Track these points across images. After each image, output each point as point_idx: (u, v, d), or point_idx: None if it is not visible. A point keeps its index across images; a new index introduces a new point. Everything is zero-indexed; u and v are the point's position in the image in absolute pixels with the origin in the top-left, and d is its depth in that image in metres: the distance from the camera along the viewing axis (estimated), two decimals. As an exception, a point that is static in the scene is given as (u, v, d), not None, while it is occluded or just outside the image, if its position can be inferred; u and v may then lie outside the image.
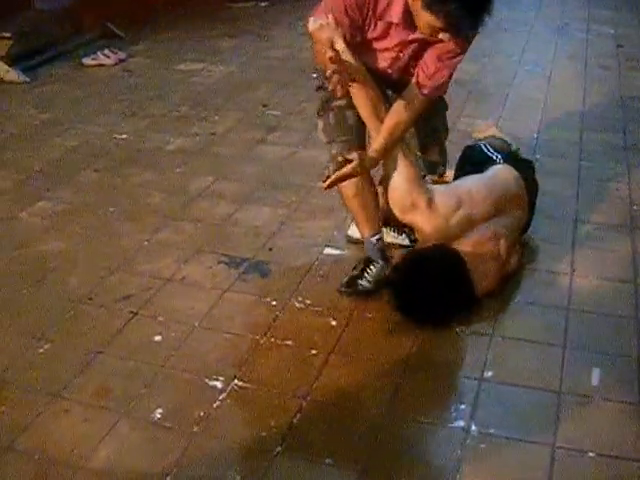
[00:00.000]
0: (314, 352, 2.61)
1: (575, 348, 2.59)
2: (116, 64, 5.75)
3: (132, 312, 2.82)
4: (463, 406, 2.35)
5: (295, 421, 2.32)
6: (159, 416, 2.34)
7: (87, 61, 5.78)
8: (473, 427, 2.27)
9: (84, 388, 2.46)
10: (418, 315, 2.66)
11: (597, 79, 5.23)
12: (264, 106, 4.83)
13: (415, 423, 2.31)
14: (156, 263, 3.14)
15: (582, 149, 4.04)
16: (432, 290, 2.60)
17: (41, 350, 2.63)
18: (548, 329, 2.68)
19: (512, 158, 3.17)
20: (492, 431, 2.26)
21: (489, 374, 2.48)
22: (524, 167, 3.12)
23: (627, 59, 5.69)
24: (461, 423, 2.29)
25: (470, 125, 4.07)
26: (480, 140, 3.39)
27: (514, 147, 3.43)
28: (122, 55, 5.86)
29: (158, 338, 2.69)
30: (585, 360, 2.54)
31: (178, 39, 6.36)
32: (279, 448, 2.22)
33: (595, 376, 2.46)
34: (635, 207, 3.47)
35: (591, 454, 2.16)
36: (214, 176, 3.89)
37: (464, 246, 2.72)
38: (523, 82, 5.19)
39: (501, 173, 2.97)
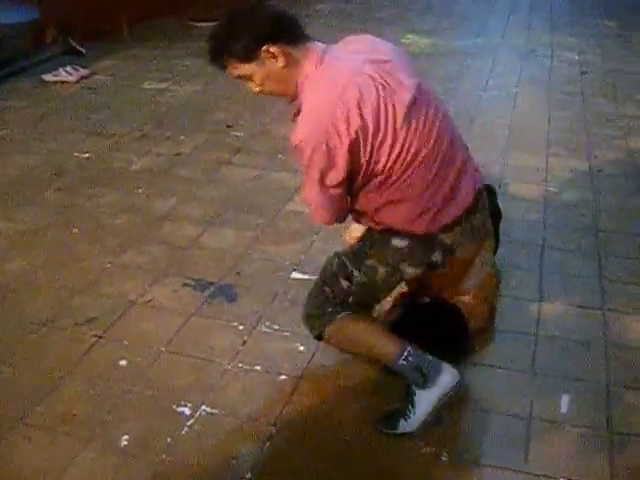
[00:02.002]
0: (283, 378, 2.59)
1: (544, 375, 2.61)
2: (78, 81, 5.69)
3: (96, 336, 2.77)
4: (434, 431, 2.34)
5: (265, 447, 2.29)
6: (125, 443, 2.29)
7: (48, 77, 5.70)
8: (444, 452, 2.27)
9: (48, 414, 2.40)
10: None
11: (561, 105, 5.32)
12: (229, 127, 4.81)
13: (387, 449, 2.29)
14: (121, 286, 3.09)
15: (548, 174, 4.09)
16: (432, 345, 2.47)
17: (1, 375, 2.57)
18: (517, 356, 2.69)
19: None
20: (464, 456, 2.26)
21: (461, 401, 2.47)
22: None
23: (591, 85, 5.80)
24: (432, 448, 2.29)
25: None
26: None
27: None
28: (84, 72, 5.80)
29: (123, 363, 2.64)
30: (554, 386, 2.55)
31: (142, 57, 6.32)
32: (249, 475, 2.19)
33: (564, 403, 2.47)
34: (601, 233, 3.51)
35: (562, 480, 2.18)
36: (179, 197, 3.85)
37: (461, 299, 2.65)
38: (489, 107, 5.25)
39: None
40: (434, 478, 2.20)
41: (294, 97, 2.25)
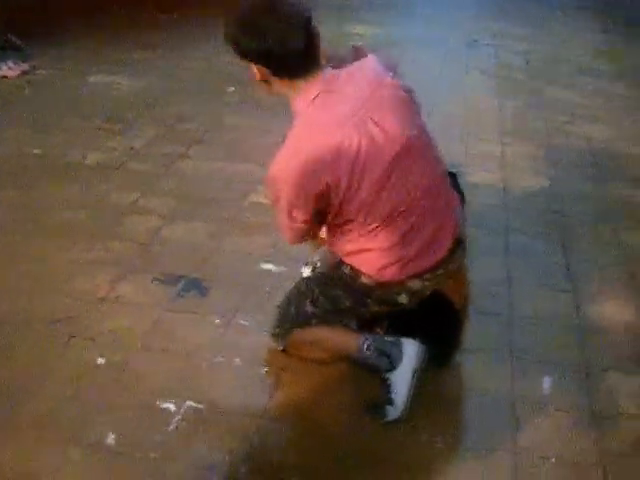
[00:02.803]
0: (265, 370, 2.58)
1: (522, 357, 2.66)
2: (19, 76, 5.50)
3: (70, 335, 2.70)
4: (426, 419, 2.37)
5: (257, 441, 2.28)
6: (112, 442, 2.25)
7: (-13, 73, 5.52)
8: (438, 438, 2.30)
9: (29, 416, 2.34)
10: None
11: (510, 93, 5.40)
12: (182, 119, 4.74)
13: (380, 437, 2.31)
14: (87, 283, 3.02)
15: (505, 161, 4.15)
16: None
17: (-25, 379, 2.50)
18: (494, 339, 2.75)
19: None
20: (457, 440, 2.30)
21: (445, 386, 2.51)
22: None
23: (537, 73, 5.90)
24: (426, 435, 2.31)
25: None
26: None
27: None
28: (26, 67, 5.62)
29: (101, 361, 2.59)
30: (533, 368, 2.61)
31: (87, 50, 6.13)
32: (243, 469, 2.18)
33: (546, 384, 2.53)
34: (562, 218, 3.60)
35: (553, 460, 2.23)
36: (139, 192, 3.78)
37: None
38: (441, 97, 5.28)
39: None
40: (432, 463, 2.24)
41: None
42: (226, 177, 3.99)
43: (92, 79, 5.42)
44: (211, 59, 5.90)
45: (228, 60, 5.87)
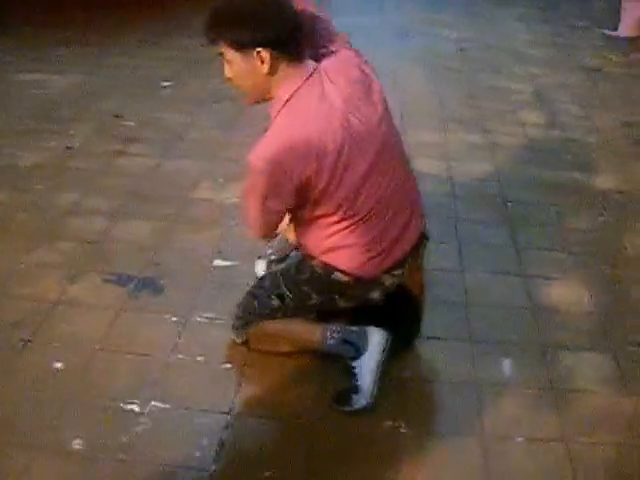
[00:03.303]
0: (228, 366, 2.56)
1: (481, 341, 2.71)
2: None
3: (24, 340, 2.63)
4: (390, 406, 2.39)
5: (225, 437, 2.26)
6: (79, 446, 2.20)
7: None
8: (403, 424, 2.32)
9: (-13, 425, 2.27)
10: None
11: (447, 81, 5.46)
12: (117, 117, 4.64)
13: (347, 427, 2.32)
14: (37, 286, 2.94)
15: (448, 149, 4.20)
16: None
17: None
18: (452, 325, 2.79)
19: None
20: (423, 426, 2.33)
21: (408, 374, 2.53)
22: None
23: (471, 61, 5.99)
24: (390, 422, 2.33)
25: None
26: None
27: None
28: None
29: (58, 365, 2.52)
30: (493, 352, 2.67)
31: (6, 48, 5.95)
32: (214, 467, 2.16)
33: (506, 366, 2.59)
34: (508, 203, 3.67)
35: (519, 439, 2.28)
36: (80, 191, 3.69)
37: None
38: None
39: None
40: (397, 450, 2.25)
41: (258, 101, 2.28)
42: (166, 174, 3.92)
43: (16, 78, 5.24)
44: (136, 54, 5.81)
45: (155, 55, 5.89)
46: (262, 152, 2.15)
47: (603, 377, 2.58)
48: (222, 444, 2.23)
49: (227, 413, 2.35)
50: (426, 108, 4.92)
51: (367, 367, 2.38)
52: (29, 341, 2.62)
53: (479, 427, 2.33)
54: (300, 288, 2.45)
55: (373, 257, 2.33)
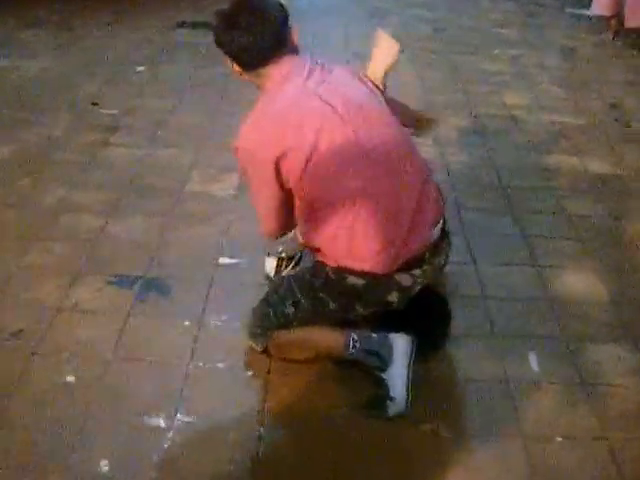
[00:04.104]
0: (250, 373, 2.45)
1: (504, 336, 2.65)
2: None
3: (30, 352, 2.47)
4: (424, 410, 2.31)
5: (260, 451, 2.16)
6: (107, 468, 2.08)
7: None
8: (442, 427, 2.26)
9: (1, 448, 2.12)
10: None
11: (426, 64, 5.33)
12: (94, 104, 4.44)
13: (385, 432, 2.24)
14: (37, 290, 2.78)
15: (439, 135, 4.07)
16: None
17: None
18: (473, 321, 2.71)
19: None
20: (461, 428, 2.27)
21: (435, 374, 2.46)
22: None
23: (449, 43, 5.87)
24: (429, 425, 2.26)
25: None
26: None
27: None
28: None
29: (70, 379, 2.38)
30: (518, 346, 2.60)
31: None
32: (250, 480, 2.06)
33: (533, 361, 2.53)
34: (508, 190, 3.60)
35: (559, 438, 2.23)
36: (67, 186, 3.51)
37: None
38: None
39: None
40: (438, 453, 2.18)
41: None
42: (154, 165, 3.76)
43: (-17, 64, 5.00)
44: (105, 37, 5.59)
45: (125, 37, 5.66)
46: (239, 141, 2.22)
47: (630, 369, 2.53)
48: (257, 458, 2.13)
49: (257, 423, 2.25)
50: (409, 91, 4.79)
51: (397, 377, 2.29)
52: (36, 352, 2.47)
53: (517, 427, 2.26)
54: (316, 294, 2.34)
55: (386, 247, 2.21)
